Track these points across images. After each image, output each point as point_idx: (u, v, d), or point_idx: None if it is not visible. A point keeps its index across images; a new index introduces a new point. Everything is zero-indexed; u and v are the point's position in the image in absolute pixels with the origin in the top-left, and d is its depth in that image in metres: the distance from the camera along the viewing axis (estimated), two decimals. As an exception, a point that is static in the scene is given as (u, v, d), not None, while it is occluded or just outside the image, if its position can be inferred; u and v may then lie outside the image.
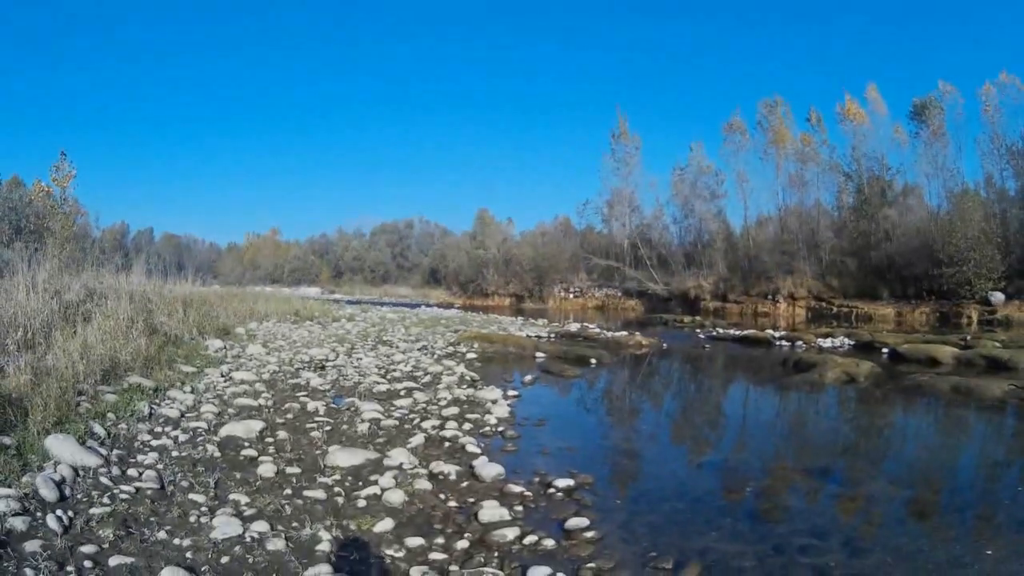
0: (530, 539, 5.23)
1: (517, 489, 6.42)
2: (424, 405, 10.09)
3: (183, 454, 6.77)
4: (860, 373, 13.75)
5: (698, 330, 27.40)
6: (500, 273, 58.09)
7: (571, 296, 53.67)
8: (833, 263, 38.60)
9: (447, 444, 8.08)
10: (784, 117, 46.12)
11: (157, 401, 8.61)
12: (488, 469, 6.87)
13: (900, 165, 41.45)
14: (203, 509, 5.35)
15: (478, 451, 7.75)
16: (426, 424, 8.85)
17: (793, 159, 45.45)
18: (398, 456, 7.17)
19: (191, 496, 5.58)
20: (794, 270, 39.05)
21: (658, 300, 46.27)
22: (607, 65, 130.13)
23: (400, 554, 4.88)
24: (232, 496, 5.72)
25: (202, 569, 4.37)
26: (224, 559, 4.55)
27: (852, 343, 20.04)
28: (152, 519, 5.02)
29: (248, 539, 4.85)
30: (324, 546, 4.85)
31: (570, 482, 6.64)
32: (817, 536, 5.51)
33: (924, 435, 10.44)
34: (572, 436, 9.29)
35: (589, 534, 5.40)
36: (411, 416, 9.34)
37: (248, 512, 5.41)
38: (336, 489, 6.17)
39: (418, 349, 16.89)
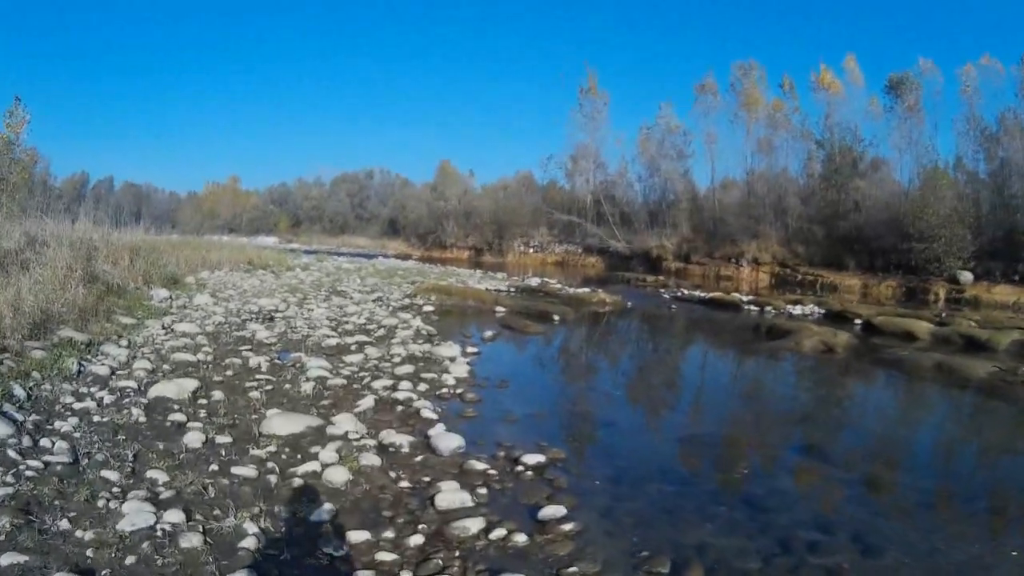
0: (498, 532, 4.39)
1: (480, 466, 5.60)
2: (376, 362, 9.31)
3: (105, 419, 5.84)
4: (838, 343, 13.14)
5: (661, 290, 26.77)
6: (460, 225, 57.06)
7: (531, 251, 52.83)
8: (799, 230, 38.01)
9: (400, 408, 7.25)
10: (758, 82, 45.35)
11: (89, 357, 7.67)
12: (446, 441, 6.04)
13: (873, 137, 40.99)
14: (115, 490, 4.44)
15: (434, 417, 6.95)
16: (377, 384, 8.02)
17: (764, 124, 44.76)
18: (343, 423, 6.31)
19: (104, 473, 4.65)
20: (759, 235, 38.40)
21: (619, 258, 45.44)
22: (579, 20, 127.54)
23: (340, 552, 4.00)
24: (150, 473, 4.80)
25: (102, 573, 3.48)
26: (129, 559, 3.64)
27: (822, 312, 19.49)
28: (57, 503, 4.11)
29: (159, 532, 3.93)
30: (249, 542, 3.95)
31: (540, 458, 5.85)
32: (823, 530, 4.85)
33: (922, 418, 9.69)
34: (538, 401, 8.62)
35: (567, 526, 4.59)
36: (361, 375, 8.51)
37: (165, 494, 4.49)
38: (269, 464, 5.25)
39: (373, 300, 16.20)
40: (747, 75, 45.49)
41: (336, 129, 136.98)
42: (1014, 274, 26.64)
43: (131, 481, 4.65)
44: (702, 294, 24.47)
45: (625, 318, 18.73)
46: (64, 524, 3.87)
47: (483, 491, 5.09)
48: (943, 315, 18.26)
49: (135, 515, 4.04)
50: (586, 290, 22.67)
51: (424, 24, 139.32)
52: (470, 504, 4.81)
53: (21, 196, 17.68)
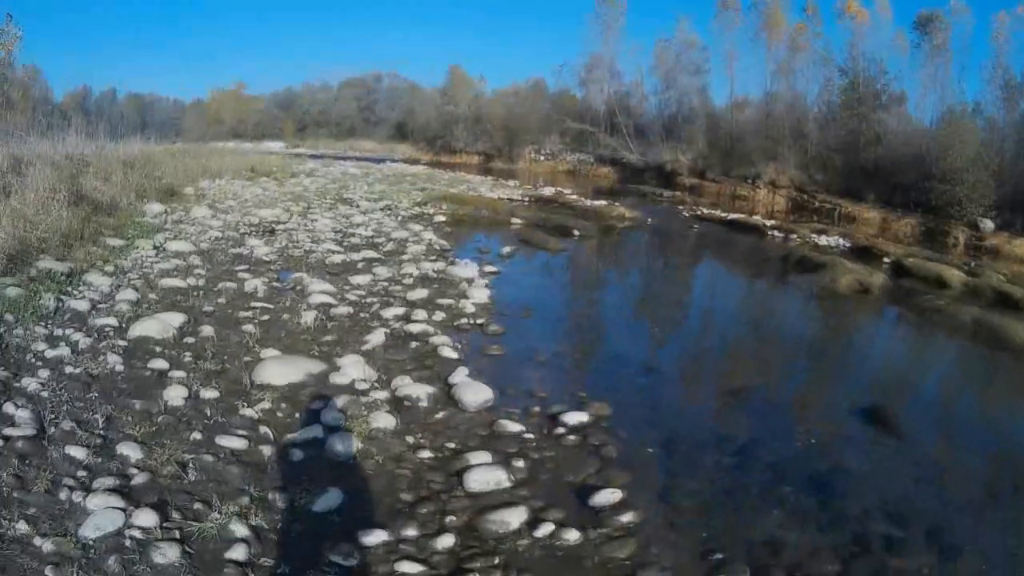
0: (545, 528, 3.60)
1: (514, 428, 4.81)
2: (386, 284, 8.55)
3: (78, 369, 4.95)
4: (872, 284, 12.23)
5: (680, 207, 25.60)
6: (469, 130, 55.16)
7: (541, 158, 51.20)
8: (818, 156, 36.39)
9: (414, 344, 6.43)
10: (782, 2, 42.76)
11: (69, 289, 6.83)
12: (472, 393, 5.22)
13: (898, 72, 38.15)
14: (81, 475, 3.59)
15: (455, 357, 6.16)
16: (388, 313, 7.23)
17: (785, 46, 42.33)
18: (350, 367, 5.50)
19: (69, 450, 3.78)
20: (777, 157, 36.90)
21: (632, 170, 43.69)
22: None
23: (352, 562, 3.21)
24: (121, 448, 3.92)
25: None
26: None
27: (848, 245, 18.38)
28: (15, 495, 3.29)
29: (128, 540, 3.11)
30: (238, 552, 3.14)
31: (582, 417, 5.05)
32: (896, 523, 4.17)
33: (981, 389, 8.30)
34: (567, 335, 7.99)
35: (625, 517, 3.81)
36: (369, 300, 7.74)
37: (137, 479, 3.63)
38: (262, 430, 4.41)
39: (381, 209, 15.47)
40: (770, -6, 43.18)
41: (343, 34, 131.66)
42: (1036, 228, 25.62)
43: (100, 460, 3.79)
44: (723, 214, 23.23)
45: (647, 236, 17.87)
46: (22, 527, 3.07)
47: (520, 464, 4.30)
48: (971, 263, 17.30)
49: (100, 515, 3.23)
50: (603, 203, 21.75)
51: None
52: (507, 484, 4.05)
53: (15, 115, 16.82)
